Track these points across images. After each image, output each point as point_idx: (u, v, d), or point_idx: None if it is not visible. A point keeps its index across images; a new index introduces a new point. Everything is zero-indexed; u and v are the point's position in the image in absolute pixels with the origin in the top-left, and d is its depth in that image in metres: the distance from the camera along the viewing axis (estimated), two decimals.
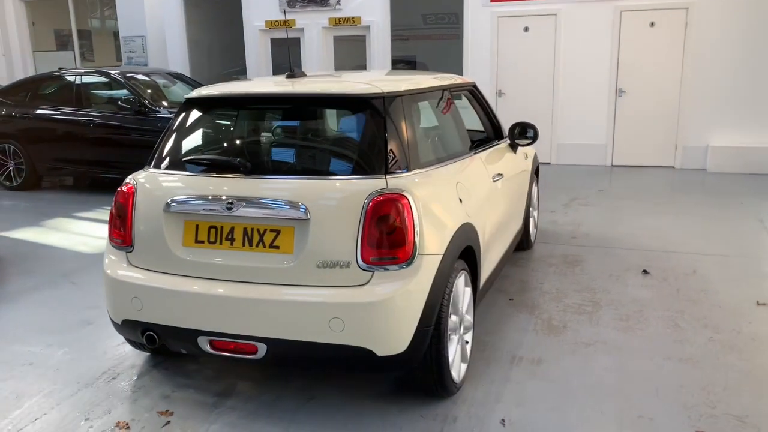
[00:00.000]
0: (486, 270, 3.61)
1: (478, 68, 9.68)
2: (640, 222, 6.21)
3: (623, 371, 3.27)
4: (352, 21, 10.15)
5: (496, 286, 4.52)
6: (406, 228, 2.63)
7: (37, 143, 8.32)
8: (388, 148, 2.78)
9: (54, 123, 8.21)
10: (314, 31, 10.36)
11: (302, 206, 2.67)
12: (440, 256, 2.75)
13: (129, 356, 3.52)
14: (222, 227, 2.81)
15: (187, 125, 3.13)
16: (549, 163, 9.66)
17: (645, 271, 4.77)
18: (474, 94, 4.31)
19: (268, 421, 2.88)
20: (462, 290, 3.09)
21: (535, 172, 5.41)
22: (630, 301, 4.19)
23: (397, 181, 2.70)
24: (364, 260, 2.61)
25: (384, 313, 2.59)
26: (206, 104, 3.13)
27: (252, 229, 2.76)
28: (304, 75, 3.32)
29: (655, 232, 5.82)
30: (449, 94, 3.63)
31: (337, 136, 2.91)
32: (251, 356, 2.77)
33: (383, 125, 2.83)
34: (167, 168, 3.04)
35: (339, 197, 2.69)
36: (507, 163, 4.27)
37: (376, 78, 3.36)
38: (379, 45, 10.10)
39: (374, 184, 2.68)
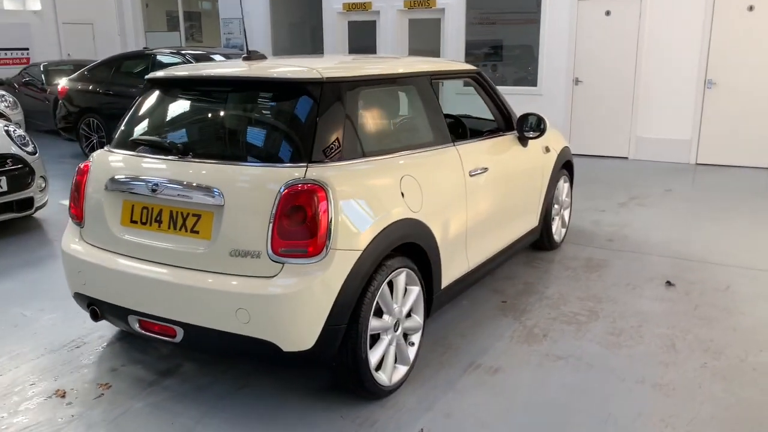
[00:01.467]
0: (454, 270, 3.40)
1: (554, 54, 9.17)
2: (694, 227, 5.64)
3: (582, 391, 2.97)
4: (427, 3, 9.93)
5: (494, 286, 4.27)
6: (319, 221, 2.51)
7: (116, 118, 8.85)
8: (317, 137, 2.66)
9: (131, 99, 8.69)
10: (390, 14, 10.24)
11: (216, 191, 2.62)
12: (359, 253, 2.61)
13: (101, 327, 3.65)
14: (152, 209, 2.82)
15: (143, 105, 3.16)
16: (626, 157, 9.01)
17: (669, 283, 4.31)
18: (479, 82, 4.05)
19: (190, 405, 2.88)
20: (402, 289, 2.93)
21: (565, 166, 5.04)
22: (633, 314, 3.81)
23: (318, 172, 2.58)
24: (274, 251, 2.53)
25: (288, 307, 2.50)
26: (160, 85, 3.14)
27: (177, 213, 2.75)
28: (263, 57, 3.25)
29: (705, 240, 5.26)
30: (427, 81, 3.41)
31: (267, 121, 2.82)
32: (171, 339, 2.78)
33: (315, 112, 2.71)
34: (117, 147, 3.09)
35: (254, 184, 2.61)
36: (505, 157, 3.99)
37: (334, 63, 3.23)
38: (454, 29, 9.82)
39: (291, 173, 2.58)
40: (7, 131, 5.62)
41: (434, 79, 3.54)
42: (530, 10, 9.41)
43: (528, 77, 9.67)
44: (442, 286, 3.30)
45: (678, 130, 8.63)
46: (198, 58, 8.89)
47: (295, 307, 2.50)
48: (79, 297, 3.10)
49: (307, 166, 2.60)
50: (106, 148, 3.17)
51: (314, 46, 11.75)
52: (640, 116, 8.81)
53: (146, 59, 9.11)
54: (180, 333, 2.73)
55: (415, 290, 3.04)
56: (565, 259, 4.83)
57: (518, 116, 4.17)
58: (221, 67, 3.11)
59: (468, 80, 4.05)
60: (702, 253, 4.92)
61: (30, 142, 5.77)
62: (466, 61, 9.95)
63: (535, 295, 4.14)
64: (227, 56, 9.28)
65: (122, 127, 3.16)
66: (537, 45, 9.36)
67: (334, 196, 2.55)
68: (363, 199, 2.69)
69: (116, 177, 2.92)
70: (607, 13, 8.79)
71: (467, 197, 3.44)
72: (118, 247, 2.91)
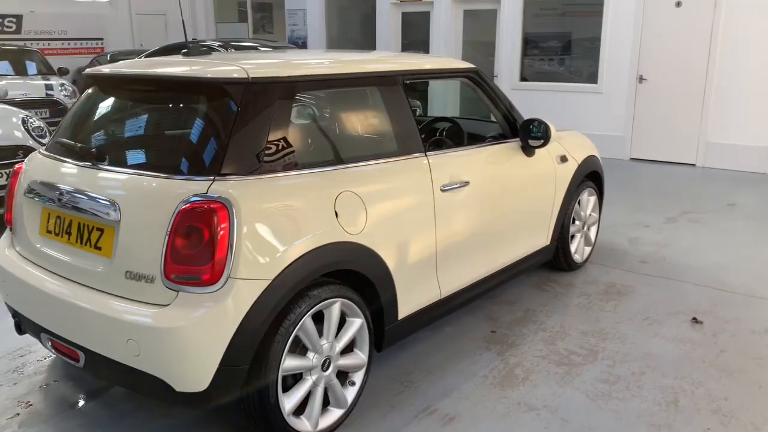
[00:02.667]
0: (419, 297, 2.99)
1: (616, 49, 8.42)
2: (749, 252, 4.91)
3: None
4: None
5: (489, 311, 3.80)
6: (216, 244, 2.18)
7: None
8: (230, 146, 2.32)
9: None
10: (443, 4, 9.76)
11: (114, 204, 2.34)
12: (266, 282, 2.25)
13: None
14: (64, 219, 2.58)
15: (78, 104, 2.92)
16: (693, 164, 8.16)
17: (695, 320, 3.70)
18: (477, 82, 3.58)
19: None
20: (335, 322, 2.55)
21: (592, 178, 4.47)
22: (639, 358, 3.26)
23: (224, 187, 2.24)
24: (166, 276, 2.22)
25: (177, 342, 2.18)
26: (93, 82, 2.89)
27: (84, 225, 2.49)
28: (206, 52, 2.93)
29: (758, 269, 4.55)
30: (395, 82, 2.99)
31: (179, 127, 2.50)
32: (75, 364, 2.52)
33: (233, 117, 2.36)
34: (47, 149, 2.86)
35: (152, 199, 2.30)
36: (499, 169, 3.52)
37: (277, 59, 2.87)
38: (510, 21, 9.21)
39: (194, 187, 2.25)
40: (24, 122, 5.62)
41: (409, 79, 3.11)
42: (593, 1, 8.67)
43: (588, 74, 8.94)
44: (400, 317, 2.90)
45: (754, 136, 7.71)
46: (242, 50, 8.78)
47: (185, 342, 2.18)
48: (8, 307, 2.91)
49: (213, 180, 2.26)
50: (40, 149, 2.95)
51: (369, 38, 11.39)
52: (710, 119, 7.94)
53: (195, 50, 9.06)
54: (82, 358, 2.47)
55: (356, 323, 2.66)
56: (583, 283, 4.28)
57: (523, 121, 3.67)
58: (143, 66, 2.82)
59: (463, 80, 3.59)
60: (749, 285, 4.23)
61: (48, 134, 5.75)
62: (526, 56, 9.34)
63: (532, 325, 3.65)
64: (275, 49, 9.16)
65: (58, 128, 2.93)
66: (599, 39, 8.61)
67: (240, 215, 2.20)
68: (278, 219, 2.32)
69: (34, 182, 2.69)
70: (678, 4, 7.95)
71: (438, 215, 3.01)
72: (36, 258, 2.69)
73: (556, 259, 4.29)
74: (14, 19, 13.50)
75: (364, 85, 2.90)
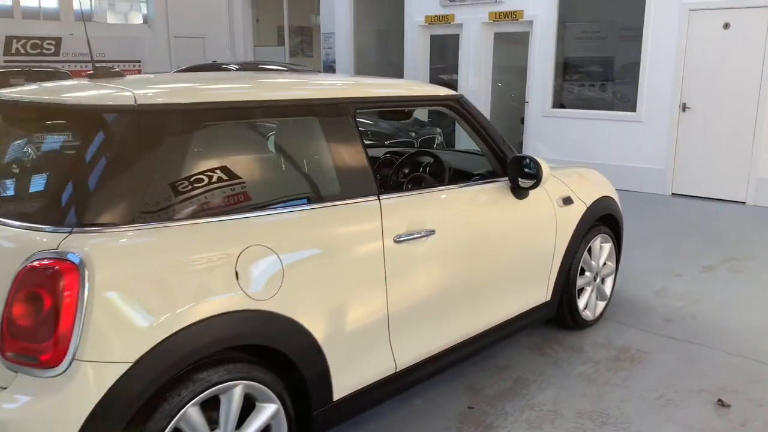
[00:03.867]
0: (365, 372, 2.46)
1: (656, 75, 7.73)
2: None
3: None
4: (513, 15, 8.83)
5: (472, 380, 3.23)
6: (59, 316, 1.71)
7: None
8: (98, 189, 1.87)
9: None
10: (473, 27, 9.26)
11: None
12: (125, 366, 1.77)
13: None
14: None
15: None
16: (743, 202, 7.35)
17: (721, 402, 3.04)
18: (459, 112, 3.05)
19: None
20: (235, 410, 2.05)
21: (606, 222, 3.86)
22: None
23: (81, 242, 1.78)
24: (2, 354, 1.76)
25: None
26: None
27: None
28: (116, 75, 2.50)
29: None
30: (341, 112, 2.49)
31: (45, 164, 2.08)
32: None
33: (108, 152, 1.92)
34: None
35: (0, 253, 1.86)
36: (479, 214, 2.97)
37: (186, 82, 2.43)
38: (543, 43, 8.64)
39: (44, 240, 1.80)
40: None
41: (364, 108, 2.62)
42: (633, 26, 8.01)
43: (627, 101, 8.27)
44: (336, 398, 2.37)
45: None
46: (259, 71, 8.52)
47: None
48: None
49: (70, 232, 1.81)
50: None
51: (398, 61, 10.98)
52: (763, 152, 7.15)
53: (213, 70, 8.87)
54: None
55: (268, 409, 2.14)
56: (592, 346, 3.65)
57: (511, 158, 3.11)
58: (30, 91, 2.40)
59: (443, 110, 3.07)
60: None
61: None
62: (561, 81, 8.74)
63: (520, 400, 3.05)
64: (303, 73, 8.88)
65: None
66: (637, 65, 7.94)
67: (93, 280, 1.74)
68: (149, 285, 1.84)
69: None
70: (726, 25, 7.23)
71: (390, 271, 2.48)
72: None
73: (560, 316, 3.68)
74: (53, 42, 13.67)
75: (297, 114, 2.41)
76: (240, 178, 2.21)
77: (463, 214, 2.88)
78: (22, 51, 13.21)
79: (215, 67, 8.89)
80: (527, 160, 3.02)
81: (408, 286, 2.58)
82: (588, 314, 3.83)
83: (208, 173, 2.13)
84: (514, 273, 3.19)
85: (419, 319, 2.66)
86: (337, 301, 2.31)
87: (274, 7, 16.81)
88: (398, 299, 2.53)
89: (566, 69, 8.92)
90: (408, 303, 2.58)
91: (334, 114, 2.47)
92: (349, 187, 2.45)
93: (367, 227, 2.44)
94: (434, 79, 10.22)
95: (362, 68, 11.80)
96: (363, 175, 2.50)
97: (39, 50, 13.46)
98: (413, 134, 7.03)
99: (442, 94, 3.02)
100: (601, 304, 3.96)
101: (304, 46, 17.79)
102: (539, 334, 3.79)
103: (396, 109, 3.02)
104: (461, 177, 3.41)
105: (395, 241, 2.50)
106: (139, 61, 14.98)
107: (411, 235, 2.56)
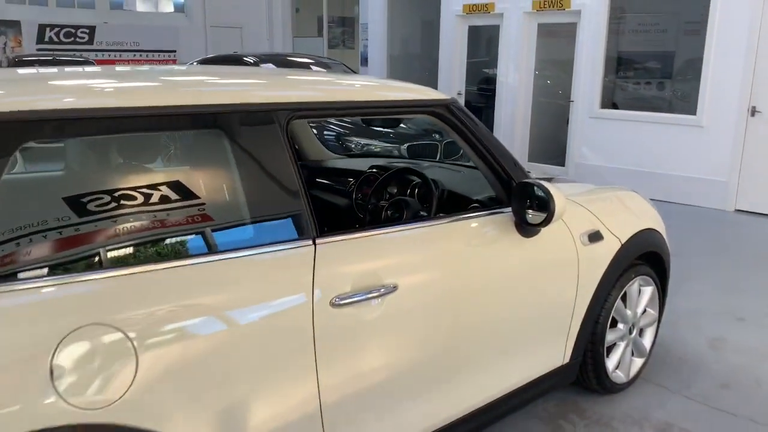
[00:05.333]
0: None
1: (722, 74, 6.74)
2: None
3: None
4: (560, 4, 7.94)
5: None
6: None
7: None
8: None
9: None
10: (514, 16, 8.41)
11: None
12: None
13: None
14: None
15: None
16: None
17: None
18: (449, 121, 2.31)
19: None
20: None
21: (648, 260, 3.06)
22: None
23: None
24: None
25: None
26: None
27: None
28: (34, 63, 1.86)
29: None
30: (270, 120, 1.80)
31: None
32: None
33: None
34: None
35: None
36: (465, 259, 2.22)
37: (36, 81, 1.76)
38: (592, 36, 7.73)
39: None
40: None
41: (302, 117, 1.91)
42: (697, 19, 7.03)
43: (687, 101, 7.30)
44: None
45: None
46: (283, 65, 7.93)
47: None
48: None
49: None
50: None
51: (434, 53, 10.20)
52: None
53: (233, 63, 8.32)
54: None
55: None
56: (622, 420, 2.86)
57: (515, 185, 2.35)
58: None
59: (427, 118, 2.33)
60: None
61: None
62: (613, 78, 7.81)
63: None
64: (326, 66, 8.23)
65: None
66: (699, 62, 6.97)
67: None
68: None
69: None
70: None
71: (322, 349, 1.77)
72: None
73: (584, 378, 2.91)
74: (87, 30, 13.44)
75: (185, 126, 1.71)
76: (87, 216, 1.53)
77: (443, 259, 2.14)
78: (56, 39, 13.02)
79: (235, 59, 8.33)
80: (535, 188, 2.26)
81: (352, 367, 1.87)
82: (620, 375, 3.04)
83: (35, 209, 1.46)
84: (517, 334, 2.44)
85: (373, 408, 1.95)
86: (234, 399, 1.61)
87: None
88: (336, 385, 1.83)
89: (619, 65, 7.99)
90: (353, 389, 1.88)
91: (251, 125, 1.77)
92: (267, 228, 1.76)
93: (288, 286, 1.73)
94: (473, 74, 9.42)
95: (396, 61, 11.09)
96: (291, 208, 1.80)
97: (72, 39, 13.24)
98: (437, 135, 6.27)
99: (425, 98, 2.28)
100: (638, 362, 3.16)
101: (346, 38, 17.14)
102: (556, 398, 3.02)
103: (361, 117, 2.32)
104: (457, 203, 2.68)
105: (333, 305, 1.79)
106: (175, 51, 14.64)
107: (358, 295, 1.85)
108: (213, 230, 1.69)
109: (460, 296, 2.17)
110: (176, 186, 1.67)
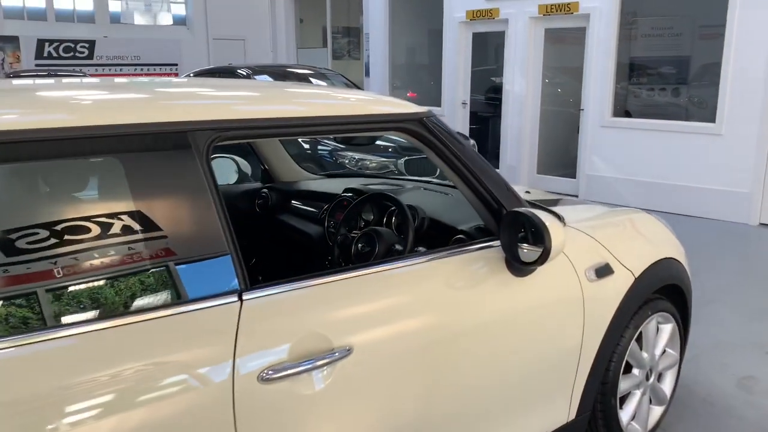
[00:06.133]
0: None
1: (743, 79, 6.30)
2: None
3: None
4: (567, 8, 7.55)
5: None
6: None
7: None
8: None
9: None
10: (520, 22, 8.02)
11: None
12: None
13: None
14: None
15: None
16: None
17: None
18: (425, 140, 1.92)
19: None
20: None
21: (669, 293, 2.65)
22: None
23: None
24: None
25: None
26: None
27: None
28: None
29: None
30: (184, 144, 1.43)
31: None
32: None
33: None
34: None
35: None
36: (444, 307, 1.83)
37: None
38: (602, 41, 7.32)
39: None
40: None
41: (229, 139, 1.53)
42: (714, 23, 6.60)
43: (704, 108, 6.86)
44: None
45: None
46: (279, 76, 7.62)
47: None
48: None
49: None
50: None
51: (438, 62, 9.83)
52: None
53: (228, 75, 8.02)
54: None
55: None
56: None
57: (504, 215, 1.96)
58: None
59: (400, 136, 1.94)
60: None
61: None
62: (626, 85, 7.39)
63: None
64: (324, 77, 7.91)
65: None
66: (717, 67, 6.53)
67: None
68: None
69: None
70: None
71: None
72: None
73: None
74: (87, 45, 13.23)
75: (68, 153, 1.34)
76: None
77: (415, 308, 1.75)
78: (54, 54, 12.81)
79: (229, 72, 8.02)
80: (527, 218, 1.86)
81: None
82: (636, 428, 2.61)
83: None
84: (510, 392, 2.04)
85: None
86: None
87: (320, 7, 15.94)
88: None
89: (632, 71, 7.57)
90: None
91: (157, 149, 1.40)
92: (174, 282, 1.37)
93: (202, 359, 1.35)
94: (479, 83, 9.03)
95: (399, 71, 10.73)
96: (208, 254, 1.42)
97: (72, 53, 13.03)
98: None
99: (393, 111, 1.90)
100: (658, 411, 2.74)
101: (351, 48, 16.83)
102: None
103: (311, 136, 1.91)
104: (439, 233, 2.29)
105: (263, 380, 1.41)
106: (177, 65, 14.39)
107: (298, 365, 1.46)
108: (101, 289, 1.31)
109: (436, 353, 1.77)
110: (54, 231, 1.29)
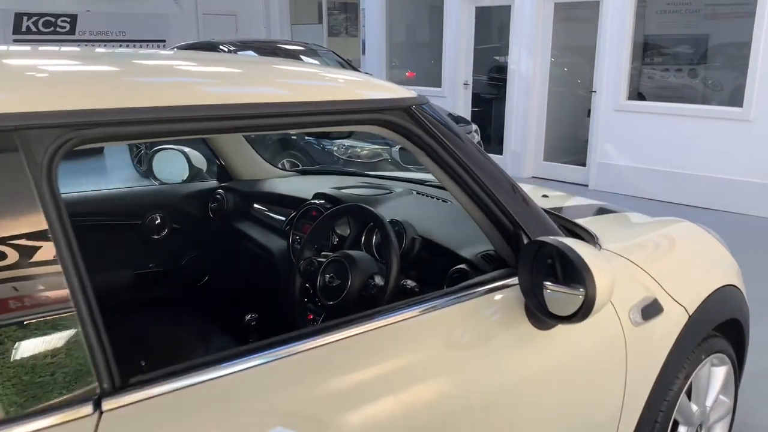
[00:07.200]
0: None
1: None
2: None
3: None
4: None
5: None
6: None
7: None
8: None
9: None
10: None
11: None
12: None
13: None
14: None
15: None
16: None
17: None
18: (411, 136, 1.35)
19: None
20: None
21: (723, 332, 2.09)
22: None
23: None
24: None
25: None
26: None
27: None
28: None
29: None
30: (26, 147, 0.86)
31: None
32: None
33: None
34: None
35: None
36: (441, 376, 1.27)
37: None
38: (615, 19, 6.69)
39: None
40: None
41: (90, 139, 0.95)
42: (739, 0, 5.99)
43: (729, 93, 6.26)
44: None
45: None
46: (267, 53, 7.04)
47: None
48: None
49: None
50: None
51: (438, 39, 9.17)
52: None
53: (208, 49, 7.42)
54: None
55: None
56: None
57: (526, 245, 1.39)
58: None
59: (377, 130, 1.36)
60: None
61: None
62: (639, 65, 6.78)
63: None
64: (315, 54, 7.32)
65: None
66: (747, 50, 5.91)
67: None
68: None
69: None
70: None
71: None
72: None
73: None
74: (68, 19, 12.53)
75: None
76: None
77: (395, 384, 1.19)
78: (34, 29, 12.11)
79: (211, 47, 7.40)
80: (559, 253, 1.29)
81: None
82: None
83: None
84: None
85: None
86: None
87: None
88: None
89: (645, 50, 6.95)
90: None
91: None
92: None
93: None
94: (482, 62, 8.41)
95: (398, 49, 10.09)
96: (47, 331, 0.85)
97: (52, 28, 12.33)
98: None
99: (369, 96, 1.32)
100: None
101: (349, 25, 16.11)
102: None
103: (186, 134, 1.22)
104: (435, 260, 1.72)
105: None
106: (165, 41, 13.68)
107: None
108: None
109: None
110: None
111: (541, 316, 1.36)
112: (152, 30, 13.47)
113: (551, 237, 1.37)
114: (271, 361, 1.07)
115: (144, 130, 1.01)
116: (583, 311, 1.27)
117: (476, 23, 8.25)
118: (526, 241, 1.45)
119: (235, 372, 1.02)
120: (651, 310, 1.73)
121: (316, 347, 1.12)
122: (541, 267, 1.36)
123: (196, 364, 1.00)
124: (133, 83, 1.08)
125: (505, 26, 7.84)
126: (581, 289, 1.26)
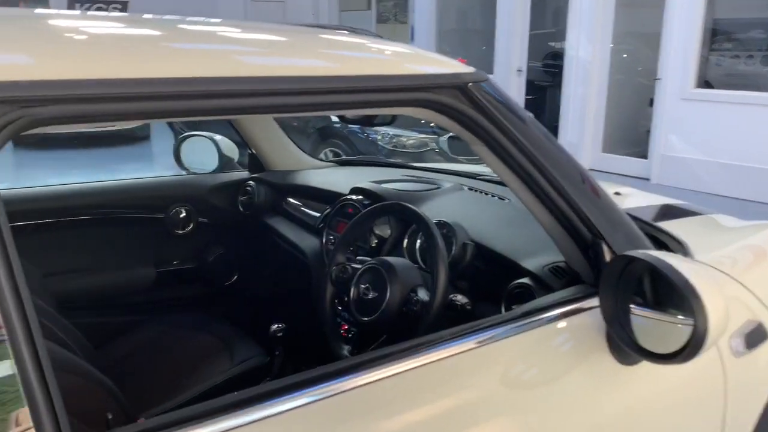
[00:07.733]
0: None
1: None
2: None
3: None
4: None
5: None
6: None
7: None
8: None
9: None
10: None
11: None
12: None
13: None
14: None
15: None
16: None
17: None
18: (464, 122, 1.08)
19: None
20: None
21: None
22: None
23: None
24: None
25: None
26: None
27: None
28: None
29: None
30: None
31: None
32: None
33: None
34: None
35: None
36: (501, 416, 1.01)
37: None
38: (684, 2, 6.22)
39: None
40: None
41: (35, 120, 0.72)
42: None
43: None
44: None
45: None
46: None
47: None
48: None
49: None
50: None
51: (491, 25, 8.82)
52: None
53: None
54: None
55: None
56: None
57: (611, 261, 1.10)
58: None
59: (422, 114, 1.10)
60: None
61: None
62: (707, 52, 6.30)
63: None
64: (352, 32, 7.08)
65: None
66: None
67: None
68: None
69: None
70: None
71: None
72: None
73: None
74: (119, 5, 12.60)
75: None
76: None
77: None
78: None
79: None
80: (656, 272, 1.01)
81: None
82: None
83: None
84: None
85: None
86: None
87: None
88: None
89: (714, 36, 6.46)
90: None
91: None
92: None
93: None
94: (536, 48, 8.02)
95: (448, 36, 9.76)
96: None
97: (106, 12, 12.44)
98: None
99: (413, 71, 1.05)
100: None
101: (398, 11, 15.79)
102: None
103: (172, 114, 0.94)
104: (493, 272, 1.45)
105: None
106: None
107: None
108: None
109: None
110: None
111: (628, 350, 1.08)
112: (201, 14, 13.44)
113: (641, 251, 1.09)
114: (294, 408, 0.83)
115: (125, 108, 0.78)
116: (691, 349, 0.98)
117: (532, 8, 7.87)
118: (607, 252, 1.17)
119: (250, 422, 0.79)
120: (756, 336, 1.42)
121: (342, 392, 0.88)
122: (628, 288, 1.08)
123: (198, 412, 0.77)
124: (119, 49, 0.85)
125: (561, 11, 7.44)
126: (689, 320, 0.98)
